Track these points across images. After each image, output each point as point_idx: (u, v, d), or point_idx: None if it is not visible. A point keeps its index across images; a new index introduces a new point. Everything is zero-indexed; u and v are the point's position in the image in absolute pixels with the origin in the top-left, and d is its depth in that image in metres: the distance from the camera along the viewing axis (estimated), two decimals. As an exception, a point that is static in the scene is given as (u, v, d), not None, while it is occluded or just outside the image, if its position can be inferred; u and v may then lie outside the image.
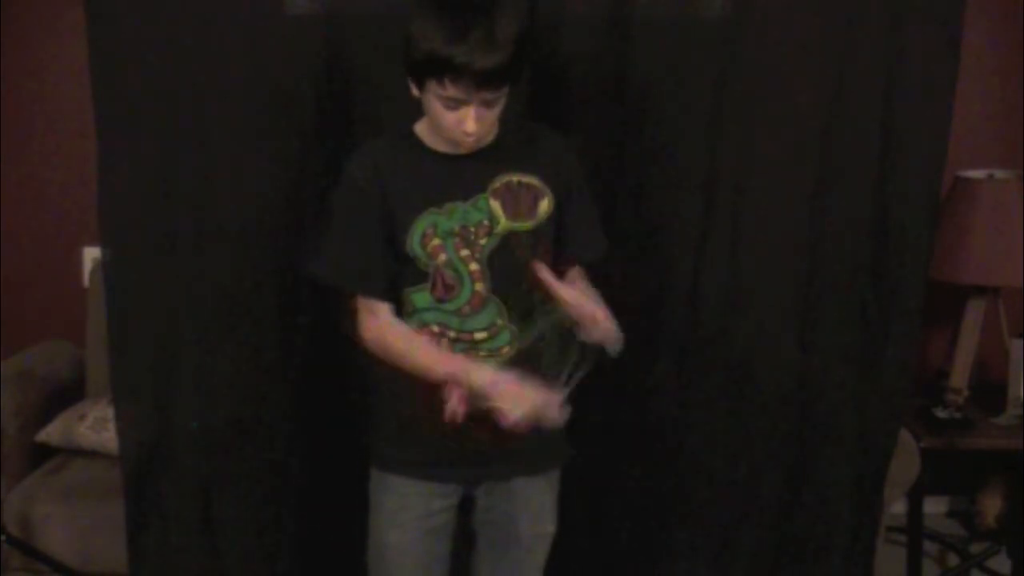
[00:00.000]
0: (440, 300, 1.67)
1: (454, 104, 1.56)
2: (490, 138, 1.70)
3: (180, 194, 1.97)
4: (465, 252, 1.66)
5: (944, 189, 2.15)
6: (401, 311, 1.72)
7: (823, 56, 2.00)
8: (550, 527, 1.85)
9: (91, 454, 2.56)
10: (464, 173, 1.69)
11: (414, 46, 1.55)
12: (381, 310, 1.70)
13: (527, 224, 1.69)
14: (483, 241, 1.67)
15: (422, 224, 1.66)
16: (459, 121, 1.58)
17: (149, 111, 1.92)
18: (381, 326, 1.70)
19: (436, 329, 1.69)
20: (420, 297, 1.69)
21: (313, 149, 1.97)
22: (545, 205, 1.71)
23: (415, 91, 1.62)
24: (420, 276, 1.68)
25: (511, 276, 1.68)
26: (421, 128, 1.71)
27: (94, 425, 2.56)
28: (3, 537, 2.31)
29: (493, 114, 1.61)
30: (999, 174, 2.70)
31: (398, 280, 1.71)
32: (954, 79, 1.99)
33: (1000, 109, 2.97)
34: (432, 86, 1.56)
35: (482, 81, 1.53)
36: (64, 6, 2.77)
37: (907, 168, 2.04)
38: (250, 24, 1.92)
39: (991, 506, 3.03)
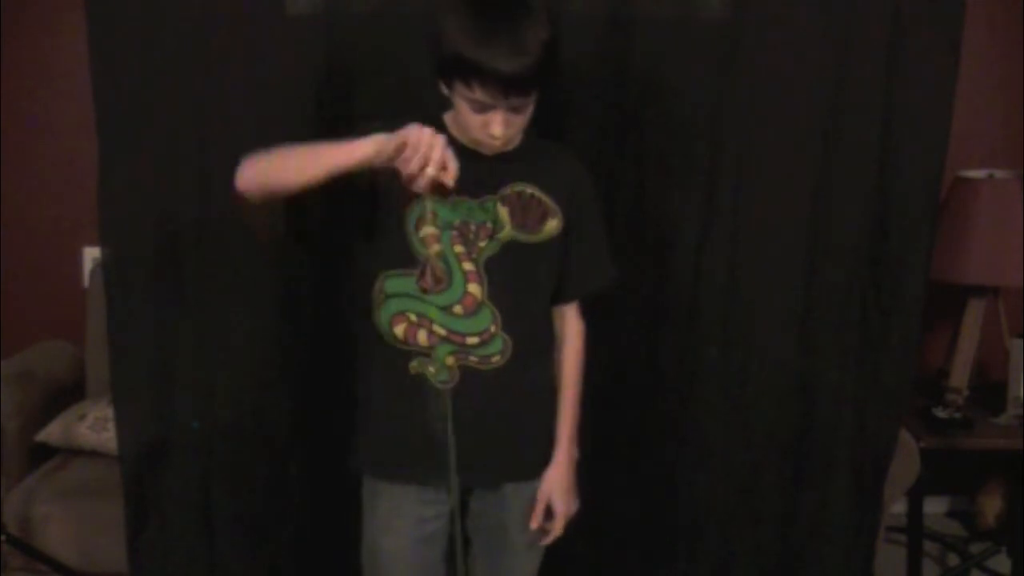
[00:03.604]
0: (425, 291, 1.65)
1: (480, 107, 1.55)
2: (515, 143, 1.69)
3: (180, 194, 1.97)
4: (460, 249, 1.64)
5: (944, 189, 2.15)
6: (369, 297, 1.69)
7: (823, 56, 2.00)
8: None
9: (91, 454, 2.56)
10: (478, 172, 1.66)
11: (443, 45, 1.54)
12: None
13: (531, 238, 1.68)
14: (482, 243, 1.65)
15: (421, 207, 1.63)
16: (486, 124, 1.57)
17: (149, 111, 1.92)
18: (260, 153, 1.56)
19: (414, 318, 1.65)
20: (402, 282, 1.65)
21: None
22: (553, 225, 1.70)
23: (443, 89, 1.61)
24: (409, 260, 1.64)
25: (509, 285, 1.66)
26: (449, 118, 1.69)
27: (94, 425, 2.56)
28: (3, 537, 2.31)
29: (521, 119, 1.60)
30: (999, 174, 2.70)
31: (382, 261, 1.67)
32: (954, 79, 1.99)
33: (1000, 109, 2.97)
34: (460, 88, 1.55)
35: (509, 86, 1.51)
36: (64, 6, 2.77)
37: (907, 168, 2.04)
38: (250, 24, 1.92)
39: (991, 506, 3.04)
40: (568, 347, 1.79)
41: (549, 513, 1.77)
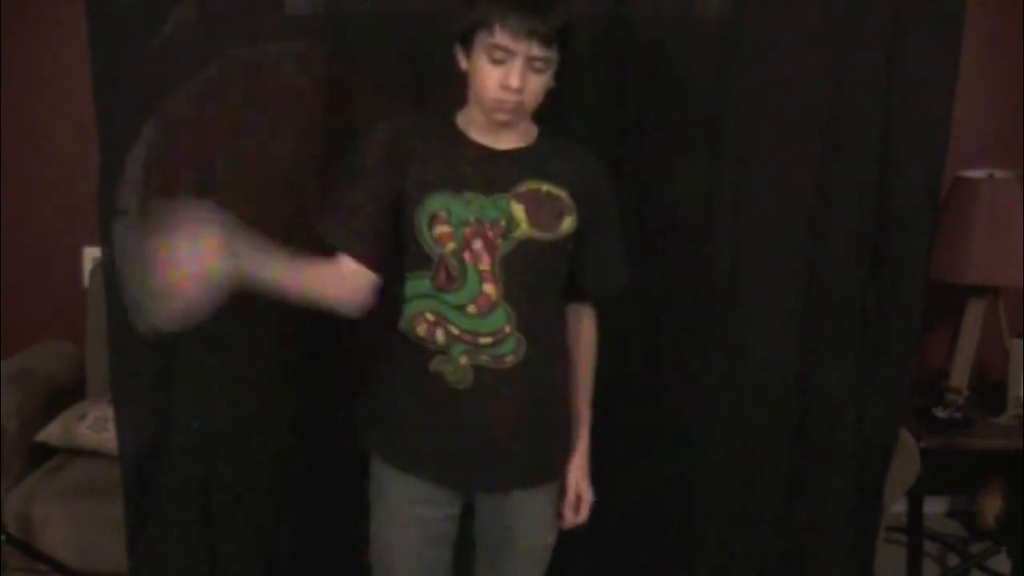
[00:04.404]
0: (440, 289, 1.65)
1: (501, 55, 1.56)
2: (527, 141, 1.70)
3: (180, 194, 1.96)
4: (477, 245, 1.64)
5: (944, 189, 2.15)
6: (399, 297, 1.70)
7: (823, 56, 2.00)
8: (549, 538, 1.83)
9: (91, 454, 2.56)
10: (491, 168, 1.66)
11: (467, 6, 1.57)
12: (344, 265, 1.66)
13: (548, 236, 1.67)
14: (498, 242, 1.64)
15: (434, 205, 1.63)
16: (503, 76, 1.57)
17: (149, 111, 1.92)
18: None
19: (431, 318, 1.65)
20: (419, 284, 1.66)
21: (313, 149, 1.97)
22: (568, 223, 1.68)
23: (463, 62, 1.62)
24: (423, 261, 1.65)
25: (524, 285, 1.65)
26: (461, 116, 1.70)
27: (94, 425, 2.56)
28: (3, 537, 2.31)
29: (536, 83, 1.59)
30: (999, 174, 2.70)
31: (401, 263, 1.68)
32: (954, 79, 1.99)
33: (1000, 109, 2.97)
34: (482, 37, 1.56)
35: (531, 31, 1.53)
36: (64, 6, 2.77)
37: (907, 168, 2.04)
38: (250, 24, 1.92)
39: (991, 506, 3.04)
40: (585, 345, 1.81)
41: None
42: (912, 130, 2.02)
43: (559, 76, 1.64)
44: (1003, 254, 2.64)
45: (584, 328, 1.81)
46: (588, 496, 1.81)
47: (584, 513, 1.81)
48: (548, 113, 1.70)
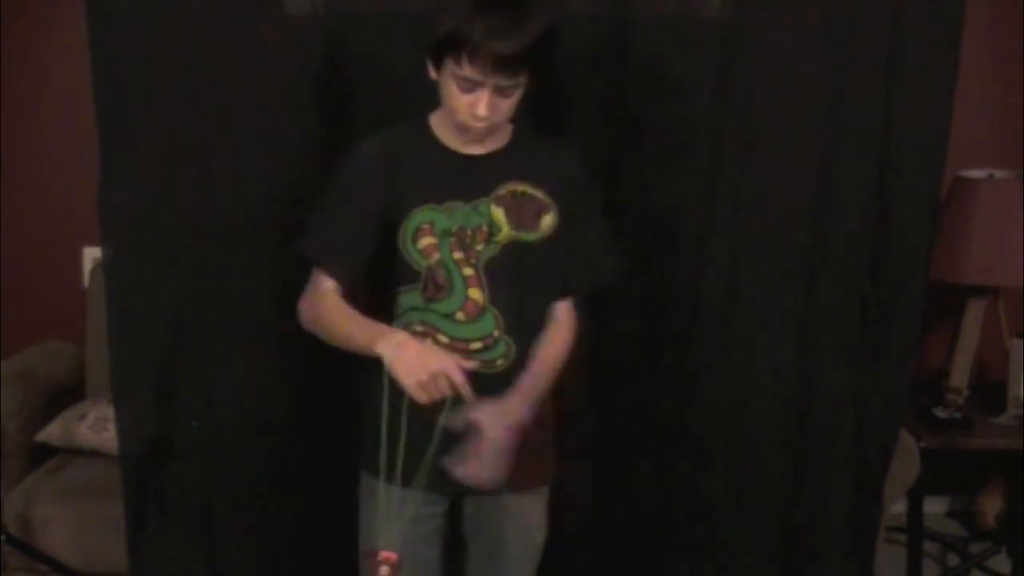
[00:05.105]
0: (429, 300, 1.65)
1: (469, 86, 1.56)
2: (502, 143, 1.70)
3: (180, 194, 1.97)
4: (459, 255, 1.64)
5: (944, 189, 2.15)
6: (392, 313, 1.71)
7: (823, 56, 2.00)
8: (539, 538, 1.83)
9: (91, 454, 2.56)
10: (470, 174, 1.67)
11: (439, 23, 1.55)
12: (323, 283, 1.67)
13: (531, 236, 1.67)
14: (479, 247, 1.65)
15: (418, 219, 1.64)
16: (471, 104, 1.57)
17: (149, 111, 1.92)
18: (317, 296, 1.66)
19: (420, 328, 1.66)
20: (409, 297, 1.67)
21: (313, 149, 1.97)
22: (549, 220, 1.69)
23: (433, 73, 1.62)
24: (412, 276, 1.66)
25: (511, 287, 1.66)
26: (435, 120, 1.70)
27: (94, 425, 2.56)
28: (3, 537, 2.31)
29: (506, 104, 1.60)
30: (999, 174, 2.70)
31: (391, 279, 1.69)
32: (954, 79, 1.98)
33: (1000, 109, 2.97)
34: (449, 65, 1.55)
35: (497, 64, 1.52)
36: (64, 6, 2.77)
37: (907, 168, 2.03)
38: (250, 24, 1.92)
39: (991, 506, 3.04)
40: (553, 331, 1.73)
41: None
42: (912, 130, 2.02)
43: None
44: (1003, 254, 2.64)
45: (557, 321, 1.74)
46: (487, 428, 1.59)
47: (483, 448, 1.59)
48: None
